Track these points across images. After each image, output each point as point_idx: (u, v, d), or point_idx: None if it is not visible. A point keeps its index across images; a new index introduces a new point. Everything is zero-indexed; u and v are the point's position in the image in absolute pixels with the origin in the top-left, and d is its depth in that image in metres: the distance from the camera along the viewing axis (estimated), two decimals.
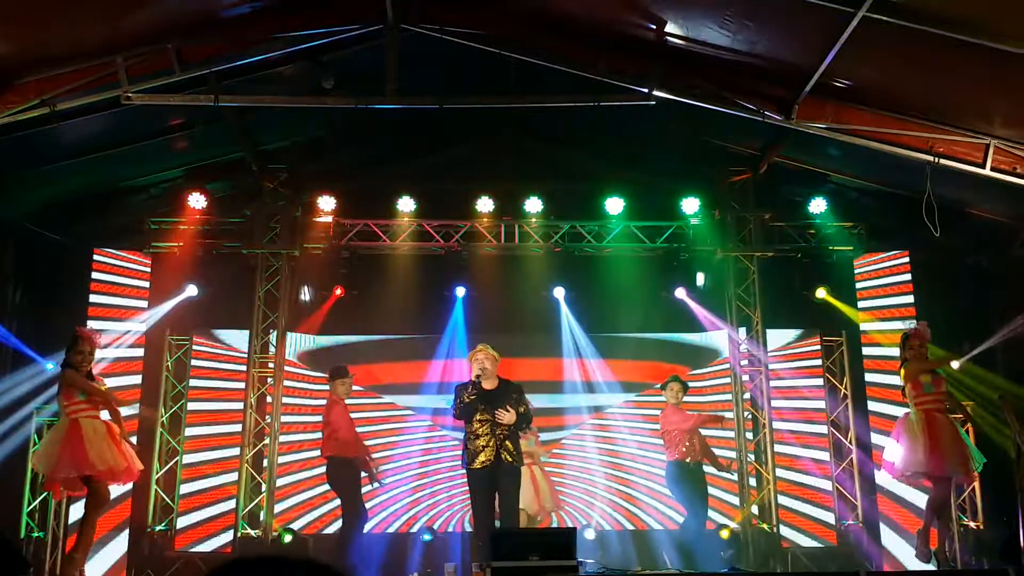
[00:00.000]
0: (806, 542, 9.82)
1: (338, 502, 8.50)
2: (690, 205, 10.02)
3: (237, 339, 10.23)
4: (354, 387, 8.56)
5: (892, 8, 5.87)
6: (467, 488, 6.84)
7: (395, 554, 9.44)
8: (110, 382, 7.60)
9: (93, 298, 9.77)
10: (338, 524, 8.80)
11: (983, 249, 9.87)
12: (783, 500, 9.86)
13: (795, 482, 10.04)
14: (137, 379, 9.82)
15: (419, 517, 9.99)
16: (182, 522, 9.68)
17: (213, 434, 10.01)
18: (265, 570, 1.66)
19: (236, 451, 9.84)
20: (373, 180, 10.41)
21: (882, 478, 9.64)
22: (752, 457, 9.99)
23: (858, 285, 10.33)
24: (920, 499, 9.29)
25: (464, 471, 6.83)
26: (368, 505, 9.54)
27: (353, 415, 8.40)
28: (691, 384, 9.01)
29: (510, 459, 6.61)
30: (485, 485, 6.62)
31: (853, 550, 9.62)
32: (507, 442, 6.61)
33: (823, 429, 10.13)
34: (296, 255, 10.12)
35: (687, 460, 8.28)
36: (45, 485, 6.93)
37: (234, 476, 9.77)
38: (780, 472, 9.91)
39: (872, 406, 10.04)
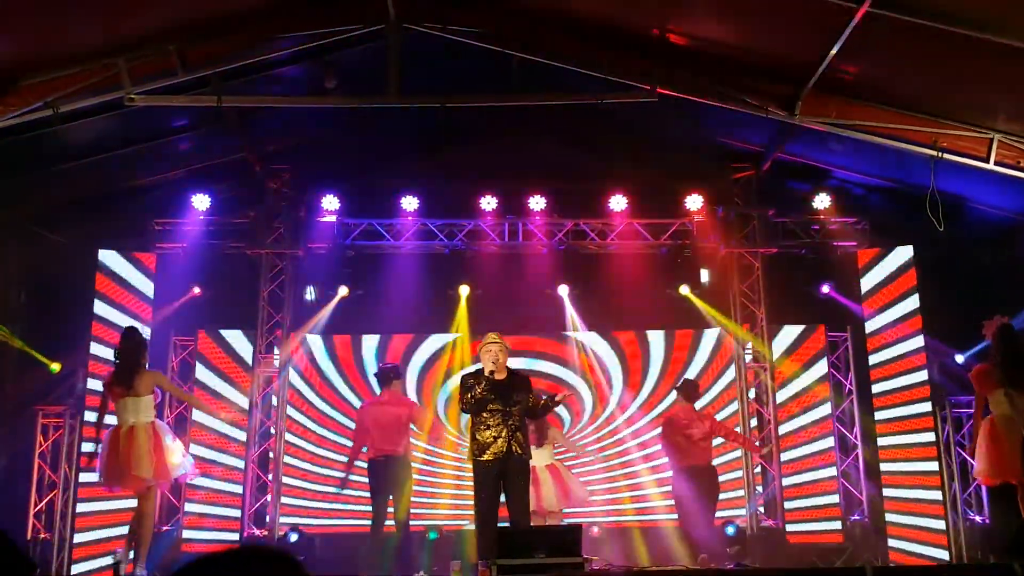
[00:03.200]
0: (812, 538, 9.79)
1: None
2: (694, 202, 10.01)
3: (242, 339, 10.23)
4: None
5: (895, 2, 5.86)
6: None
7: (401, 552, 9.42)
8: None
9: (98, 299, 9.77)
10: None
11: (987, 244, 9.85)
12: (789, 496, 9.84)
13: (801, 478, 10.01)
14: None
15: (424, 516, 9.96)
16: (188, 521, 9.68)
17: (219, 434, 10.00)
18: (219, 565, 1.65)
19: (242, 451, 9.84)
20: (376, 179, 10.41)
21: (887, 472, 9.64)
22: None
23: (862, 280, 10.30)
24: (922, 494, 9.32)
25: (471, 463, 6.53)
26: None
27: None
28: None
29: (520, 451, 6.33)
30: (493, 478, 6.31)
31: (859, 546, 9.60)
32: (518, 434, 6.34)
33: (828, 425, 10.11)
34: (300, 255, 10.14)
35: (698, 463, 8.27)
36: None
37: (240, 476, 9.78)
38: (785, 468, 9.89)
39: (877, 402, 10.01)
